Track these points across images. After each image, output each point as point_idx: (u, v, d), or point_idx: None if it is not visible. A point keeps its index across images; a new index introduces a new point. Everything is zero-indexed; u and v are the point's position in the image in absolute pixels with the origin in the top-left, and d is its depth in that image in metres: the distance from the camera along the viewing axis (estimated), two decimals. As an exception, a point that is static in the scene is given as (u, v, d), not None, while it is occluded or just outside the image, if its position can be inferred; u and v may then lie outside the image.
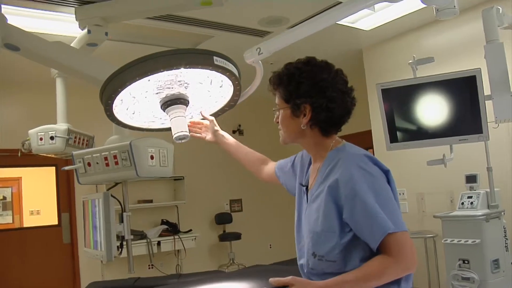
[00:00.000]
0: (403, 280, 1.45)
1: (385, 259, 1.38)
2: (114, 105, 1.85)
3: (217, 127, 2.01)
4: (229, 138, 2.04)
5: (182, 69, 1.72)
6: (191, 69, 1.73)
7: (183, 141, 1.88)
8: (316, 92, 1.57)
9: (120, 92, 1.74)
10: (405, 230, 1.41)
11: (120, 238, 2.28)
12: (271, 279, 1.44)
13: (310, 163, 1.75)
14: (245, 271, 2.95)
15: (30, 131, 2.88)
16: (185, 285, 2.57)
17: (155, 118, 2.11)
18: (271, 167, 2.02)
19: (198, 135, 2.20)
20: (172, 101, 1.90)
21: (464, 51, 4.75)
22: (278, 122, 1.72)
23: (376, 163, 1.52)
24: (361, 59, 6.05)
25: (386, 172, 1.52)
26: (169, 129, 1.99)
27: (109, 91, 1.75)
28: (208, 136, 2.19)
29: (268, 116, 6.66)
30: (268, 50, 1.84)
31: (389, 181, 1.52)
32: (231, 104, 2.07)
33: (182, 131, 1.88)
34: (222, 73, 1.79)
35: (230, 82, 1.90)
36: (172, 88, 1.87)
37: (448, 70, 3.49)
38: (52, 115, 3.01)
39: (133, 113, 2.00)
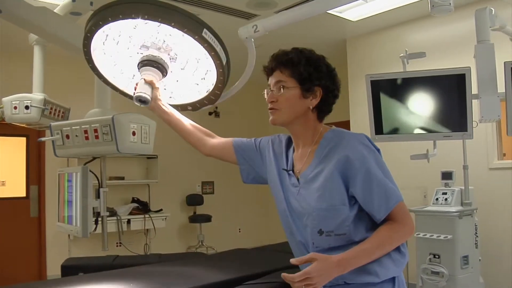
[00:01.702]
0: (401, 246, 1.58)
1: (393, 225, 1.53)
2: (94, 46, 1.76)
3: (160, 96, 1.90)
4: (169, 108, 1.94)
5: (167, 27, 1.63)
6: (176, 30, 1.64)
7: (142, 104, 1.78)
8: (329, 78, 1.68)
9: (101, 26, 1.66)
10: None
11: (96, 214, 2.22)
12: (292, 260, 1.49)
13: (287, 150, 1.78)
14: (226, 254, 2.92)
15: (4, 99, 2.77)
16: (165, 265, 2.52)
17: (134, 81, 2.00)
18: (221, 140, 1.94)
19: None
20: (150, 62, 1.80)
21: (451, 49, 4.79)
22: (272, 101, 1.68)
23: (372, 142, 1.64)
24: (344, 49, 6.04)
25: (378, 151, 1.64)
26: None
27: (91, 23, 1.67)
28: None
29: (246, 100, 6.58)
30: (265, 28, 1.79)
31: None
32: (212, 98, 1.94)
33: (144, 93, 1.76)
34: (207, 50, 1.70)
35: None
36: (157, 51, 1.79)
37: (433, 67, 3.49)
38: (27, 84, 2.89)
39: (115, 65, 1.90)
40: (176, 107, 2.02)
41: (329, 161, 1.59)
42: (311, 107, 1.66)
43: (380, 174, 1.54)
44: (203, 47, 1.69)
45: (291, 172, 1.72)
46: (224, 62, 1.76)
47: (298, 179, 1.68)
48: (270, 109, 1.70)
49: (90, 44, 1.76)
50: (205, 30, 1.65)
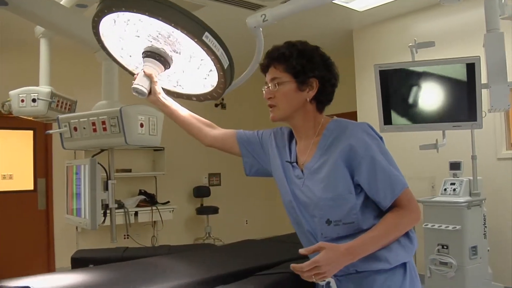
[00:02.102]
0: (410, 231, 1.60)
1: (399, 212, 1.54)
2: (102, 29, 1.77)
3: (160, 90, 1.87)
4: (169, 100, 1.92)
5: (168, 26, 1.62)
6: (177, 30, 1.63)
7: (138, 95, 1.79)
8: (324, 68, 1.67)
9: (106, 14, 1.66)
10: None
11: (104, 206, 2.22)
12: (301, 250, 1.49)
13: (290, 142, 1.78)
14: (235, 245, 2.93)
15: (11, 92, 2.78)
16: (176, 256, 2.53)
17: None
18: (223, 131, 1.95)
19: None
20: (152, 54, 1.80)
21: (460, 38, 4.73)
22: (269, 98, 1.69)
23: (374, 130, 1.65)
24: (351, 40, 5.99)
25: (381, 139, 1.65)
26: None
27: (98, 8, 1.68)
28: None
29: (252, 92, 6.62)
30: (273, 17, 1.75)
31: None
32: (214, 95, 1.94)
33: (141, 85, 1.78)
34: (207, 54, 1.68)
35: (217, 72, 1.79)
36: (161, 44, 1.77)
37: (441, 57, 3.46)
38: (33, 77, 2.90)
39: (122, 49, 1.90)
40: (181, 95, 2.02)
41: (333, 151, 1.61)
42: (308, 99, 1.66)
43: (385, 161, 1.55)
44: (203, 50, 1.67)
45: (295, 164, 1.72)
46: (226, 66, 1.74)
47: (302, 171, 1.69)
48: (269, 105, 1.71)
49: (99, 26, 1.77)
50: (206, 33, 1.62)
